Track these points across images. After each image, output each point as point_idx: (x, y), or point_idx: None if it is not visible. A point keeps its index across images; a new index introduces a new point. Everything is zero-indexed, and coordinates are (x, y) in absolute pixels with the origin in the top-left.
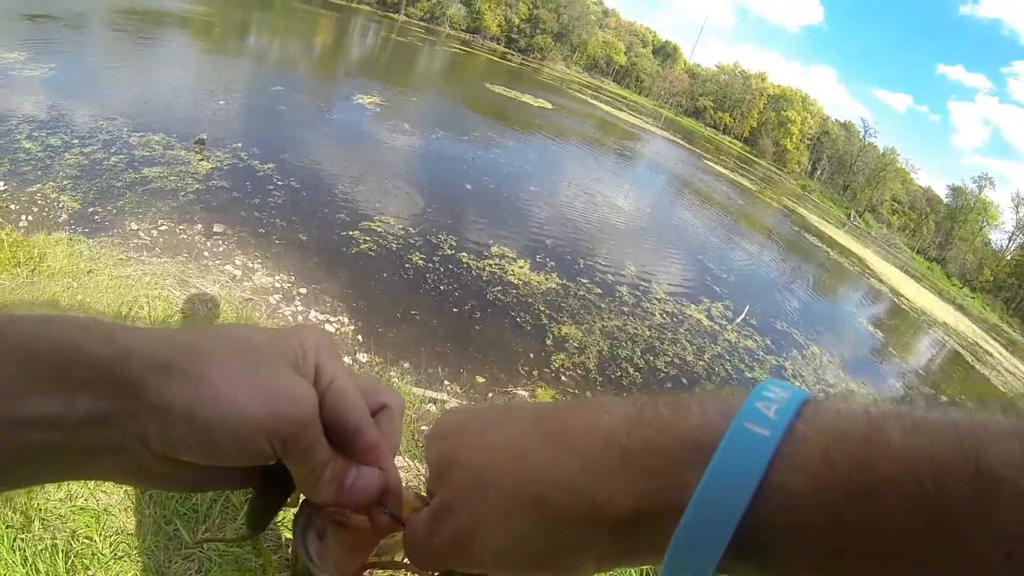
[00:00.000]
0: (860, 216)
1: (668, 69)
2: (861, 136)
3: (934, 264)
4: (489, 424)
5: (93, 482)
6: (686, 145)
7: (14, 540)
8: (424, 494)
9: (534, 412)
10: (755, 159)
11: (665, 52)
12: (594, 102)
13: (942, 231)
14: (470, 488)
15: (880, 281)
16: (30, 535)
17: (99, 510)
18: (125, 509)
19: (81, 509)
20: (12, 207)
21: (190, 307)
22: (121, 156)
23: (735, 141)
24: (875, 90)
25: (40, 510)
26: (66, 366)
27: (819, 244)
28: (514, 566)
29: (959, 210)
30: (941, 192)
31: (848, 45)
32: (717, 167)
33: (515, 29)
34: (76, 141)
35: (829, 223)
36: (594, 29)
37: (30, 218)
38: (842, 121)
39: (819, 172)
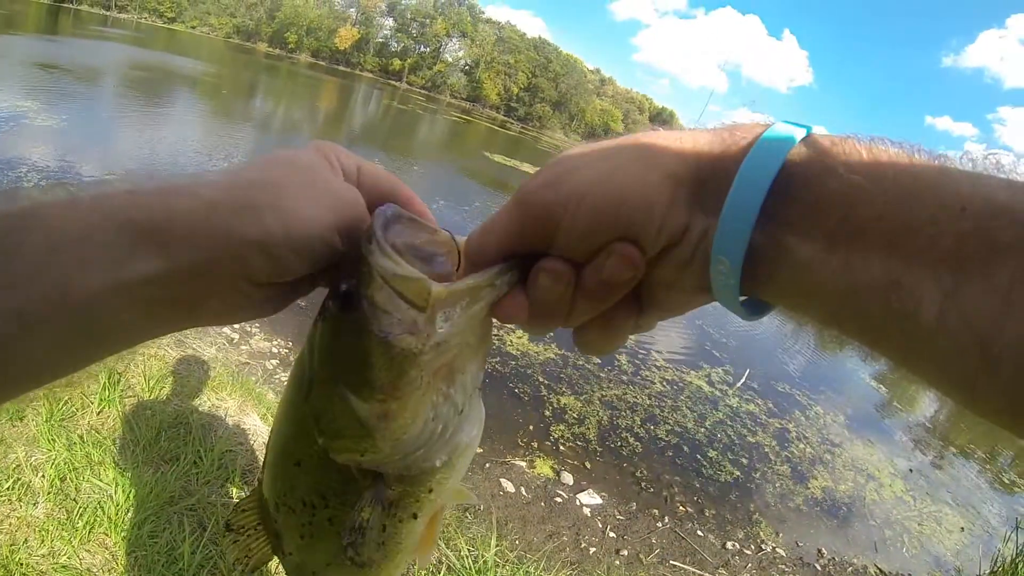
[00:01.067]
0: None
1: None
2: None
3: None
4: None
5: (77, 540)
6: None
7: None
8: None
9: None
10: None
11: (662, 119)
12: None
13: None
14: (580, 149)
15: None
16: None
17: (82, 569)
18: (109, 571)
19: (63, 567)
20: None
21: (185, 368)
22: None
23: None
24: None
25: (22, 564)
26: (163, 226)
27: None
28: (603, 195)
29: None
30: None
31: (838, 104)
32: None
33: (514, 98)
34: None
35: None
36: (591, 97)
37: None
38: None
39: None
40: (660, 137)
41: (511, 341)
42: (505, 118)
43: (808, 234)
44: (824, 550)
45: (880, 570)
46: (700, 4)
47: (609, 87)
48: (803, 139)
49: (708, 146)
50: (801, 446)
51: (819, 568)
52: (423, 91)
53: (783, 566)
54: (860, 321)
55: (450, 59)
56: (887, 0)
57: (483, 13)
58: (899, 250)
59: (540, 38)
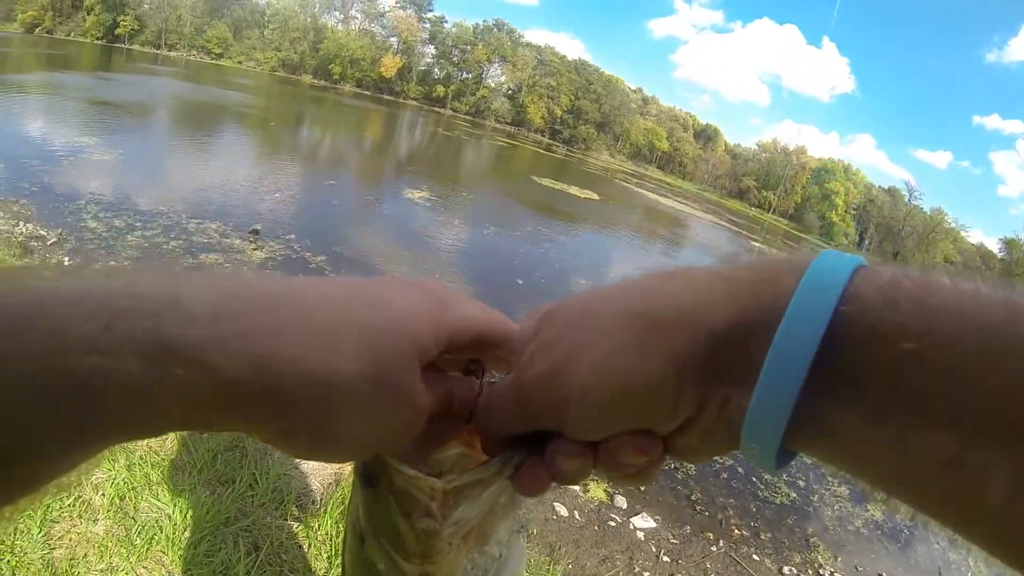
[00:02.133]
0: None
1: (710, 152)
2: (906, 200)
3: None
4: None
5: (135, 557)
6: (732, 227)
7: None
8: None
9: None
10: (801, 235)
11: (706, 135)
12: (640, 190)
13: None
14: (572, 321)
15: None
16: None
17: None
18: None
19: None
20: None
21: None
22: (180, 241)
23: (780, 219)
24: (915, 151)
25: None
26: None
27: None
28: (603, 390)
29: (1015, 263)
30: (994, 247)
31: (883, 110)
32: (764, 247)
33: (558, 120)
34: (139, 224)
35: None
36: (635, 117)
37: None
38: (886, 187)
39: (867, 242)
40: (664, 296)
41: None
42: (550, 141)
43: (851, 406)
44: (885, 575)
45: None
46: (737, 17)
47: (652, 106)
48: (846, 288)
49: (724, 310)
50: None
51: None
52: (468, 117)
53: None
54: (913, 495)
55: (493, 84)
56: (924, 1)
57: (522, 37)
58: (962, 425)
59: (580, 60)
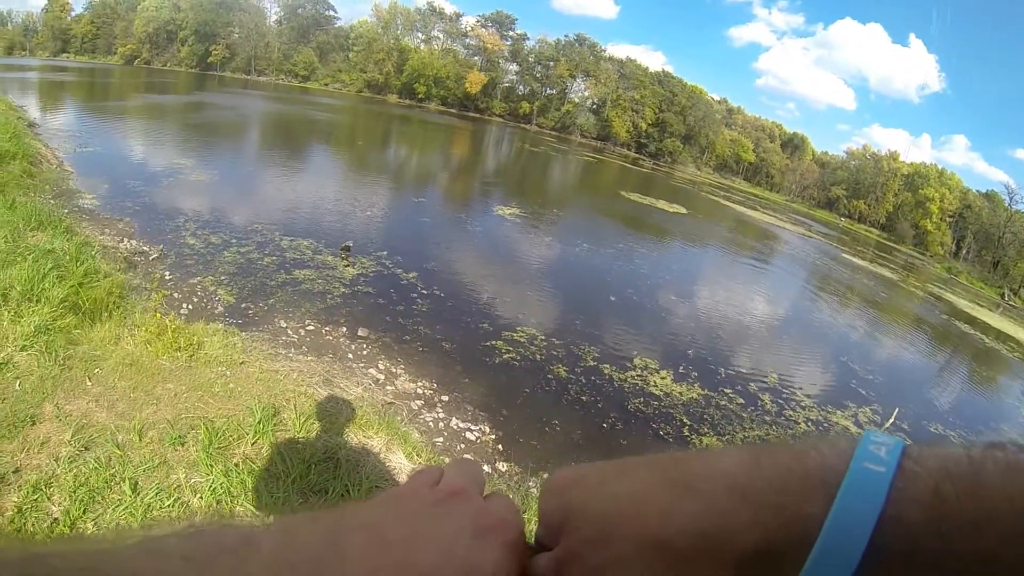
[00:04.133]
0: (1015, 294)
1: (797, 161)
2: (1006, 204)
3: None
4: (608, 476)
5: None
6: (821, 239)
7: None
8: (532, 541)
9: (653, 462)
10: (894, 245)
11: (793, 144)
12: (727, 203)
13: None
14: (594, 537)
15: None
16: None
17: None
18: None
19: None
20: (176, 296)
21: (333, 406)
22: (273, 258)
23: (871, 229)
24: (1013, 151)
25: None
26: None
27: (971, 331)
28: None
29: None
30: None
31: (976, 108)
32: (855, 259)
33: (643, 134)
34: (234, 241)
35: (981, 306)
36: (720, 128)
37: (190, 307)
38: (984, 191)
39: (964, 251)
40: (684, 519)
41: (654, 382)
42: (636, 155)
43: None
44: None
45: None
46: (818, 19)
47: (738, 116)
48: (884, 508)
49: (750, 539)
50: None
51: None
52: (553, 132)
53: None
54: None
55: (576, 99)
56: None
57: (604, 51)
58: None
59: (663, 71)
